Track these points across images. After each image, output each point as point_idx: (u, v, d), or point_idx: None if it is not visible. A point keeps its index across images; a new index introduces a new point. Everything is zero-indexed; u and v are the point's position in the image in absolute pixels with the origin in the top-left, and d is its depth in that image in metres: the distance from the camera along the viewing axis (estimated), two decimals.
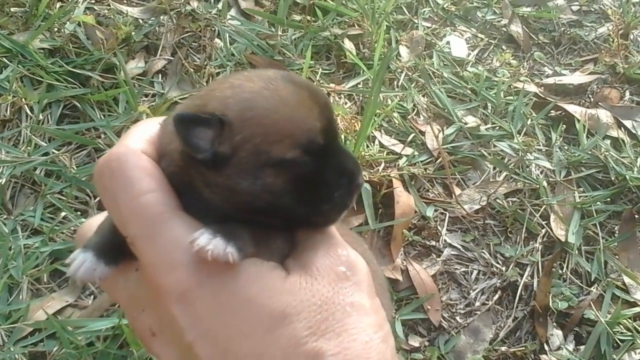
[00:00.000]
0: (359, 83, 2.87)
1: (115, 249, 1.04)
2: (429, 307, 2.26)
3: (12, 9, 2.86)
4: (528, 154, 2.66)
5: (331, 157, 1.02)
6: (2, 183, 2.33)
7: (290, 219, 1.04)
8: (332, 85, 2.81)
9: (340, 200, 1.03)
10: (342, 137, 2.52)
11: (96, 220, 1.13)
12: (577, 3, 3.51)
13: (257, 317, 0.94)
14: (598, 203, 2.57)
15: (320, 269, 1.00)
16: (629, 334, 2.24)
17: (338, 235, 1.09)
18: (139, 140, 1.07)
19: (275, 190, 1.00)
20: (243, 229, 0.99)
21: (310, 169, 1.00)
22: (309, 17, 3.05)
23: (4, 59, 2.63)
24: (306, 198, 1.01)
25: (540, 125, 2.84)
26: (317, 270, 1.00)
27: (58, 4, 2.90)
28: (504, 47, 3.23)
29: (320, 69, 2.87)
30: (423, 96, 2.88)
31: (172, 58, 2.83)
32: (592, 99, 3.03)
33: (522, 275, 2.37)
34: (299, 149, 0.98)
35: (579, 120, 2.83)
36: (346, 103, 2.77)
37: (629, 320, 2.27)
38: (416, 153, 2.64)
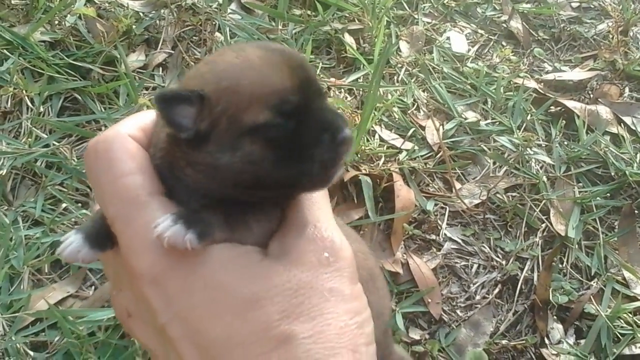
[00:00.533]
0: (359, 78, 2.87)
1: (103, 233, 1.05)
2: (429, 301, 2.26)
3: (13, 2, 2.86)
4: (528, 149, 2.66)
5: (310, 115, 1.00)
6: (3, 174, 2.33)
7: (279, 187, 1.03)
8: (332, 79, 2.81)
9: (322, 158, 1.00)
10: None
11: None
12: (576, 0, 3.51)
13: (228, 300, 0.95)
14: (598, 198, 2.58)
15: (302, 254, 1.01)
16: (629, 328, 2.24)
17: (327, 215, 1.09)
18: (130, 125, 1.09)
19: (254, 159, 0.99)
20: (214, 213, 1.00)
21: (286, 130, 0.99)
22: (309, 12, 3.05)
23: (5, 51, 2.63)
24: (287, 161, 0.99)
25: (540, 121, 2.84)
26: (298, 254, 1.00)
27: None
28: (503, 43, 3.24)
29: (321, 64, 2.87)
30: (423, 91, 2.88)
31: (173, 51, 2.83)
32: (591, 95, 3.03)
33: (522, 270, 2.38)
34: (270, 111, 0.97)
35: (578, 116, 2.83)
36: (346, 97, 2.77)
37: (629, 315, 2.27)
38: (416, 147, 2.63)
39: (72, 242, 1.05)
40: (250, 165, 0.99)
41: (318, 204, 1.10)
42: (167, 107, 0.99)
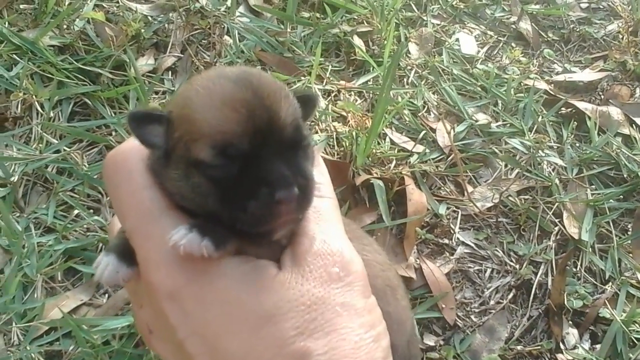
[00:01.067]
0: (369, 80, 2.86)
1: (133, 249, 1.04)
2: (443, 306, 2.25)
3: (22, 6, 2.85)
4: (540, 151, 2.65)
5: (258, 164, 0.97)
6: (15, 181, 2.32)
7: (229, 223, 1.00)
8: (342, 82, 2.80)
9: (254, 211, 0.96)
10: (353, 134, 2.51)
11: None
12: (586, 0, 3.50)
13: (244, 316, 0.94)
14: (611, 201, 2.57)
15: (313, 269, 1.00)
16: None
17: (336, 229, 1.08)
18: None
19: (201, 191, 0.99)
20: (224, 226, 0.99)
21: (227, 172, 0.97)
22: (318, 14, 3.04)
23: (14, 56, 2.62)
24: (227, 203, 0.98)
25: (551, 123, 2.83)
26: (309, 270, 1.00)
27: (67, 1, 2.89)
28: (513, 44, 3.23)
29: (330, 66, 2.86)
30: (433, 93, 2.87)
31: (182, 55, 2.82)
32: (602, 96, 3.02)
33: (536, 274, 2.36)
34: (213, 151, 0.96)
35: (589, 118, 2.82)
36: (356, 100, 2.76)
37: None
38: (427, 150, 2.62)
39: (107, 264, 1.05)
40: (199, 196, 0.99)
41: (327, 217, 1.09)
42: (137, 126, 1.01)
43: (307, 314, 0.95)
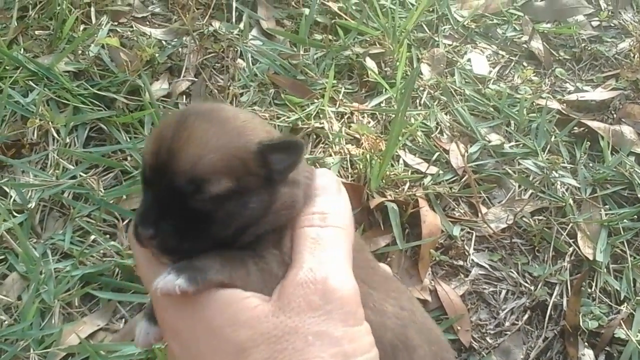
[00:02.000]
0: (381, 102, 2.87)
1: None
2: (458, 328, 2.25)
3: (37, 32, 2.88)
4: (553, 171, 2.65)
5: (151, 195, 1.04)
6: (32, 207, 2.34)
7: None
8: (355, 104, 2.81)
9: (134, 227, 1.04)
10: (367, 157, 2.52)
11: None
12: (597, 19, 3.50)
13: (223, 348, 0.97)
14: (625, 220, 2.56)
15: (291, 300, 0.99)
16: None
17: (333, 254, 1.06)
18: None
19: None
20: (212, 259, 1.01)
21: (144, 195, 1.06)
22: (330, 37, 3.06)
23: (30, 82, 2.65)
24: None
25: (564, 142, 2.83)
26: (288, 301, 0.99)
27: (82, 27, 2.92)
28: (525, 63, 3.23)
29: (343, 88, 2.88)
30: (446, 114, 2.88)
31: (196, 79, 2.84)
32: (614, 115, 3.01)
33: (551, 295, 2.36)
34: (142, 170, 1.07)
35: (602, 137, 2.82)
36: (369, 122, 2.77)
37: None
38: (441, 172, 2.63)
39: (141, 329, 1.12)
40: None
41: (324, 246, 1.07)
42: None
43: (278, 344, 0.95)
